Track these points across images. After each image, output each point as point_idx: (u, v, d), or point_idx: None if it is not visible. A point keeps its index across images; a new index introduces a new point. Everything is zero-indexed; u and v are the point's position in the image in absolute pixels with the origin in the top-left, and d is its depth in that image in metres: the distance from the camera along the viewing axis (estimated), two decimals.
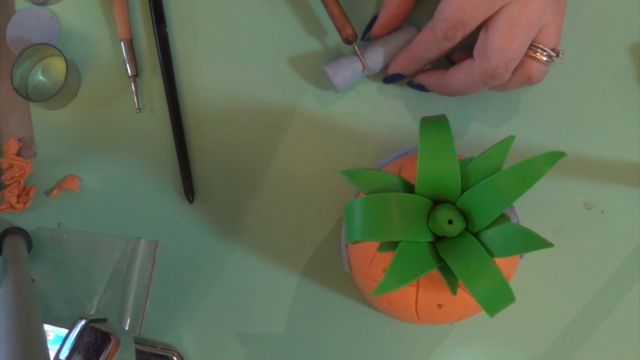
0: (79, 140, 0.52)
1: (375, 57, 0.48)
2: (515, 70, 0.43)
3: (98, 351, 0.38)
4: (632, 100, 0.49)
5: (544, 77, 0.43)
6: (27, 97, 0.51)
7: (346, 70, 0.48)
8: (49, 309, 0.50)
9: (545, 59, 0.42)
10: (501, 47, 0.41)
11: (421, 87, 0.48)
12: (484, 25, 0.42)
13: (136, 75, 0.52)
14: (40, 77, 0.53)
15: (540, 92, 0.50)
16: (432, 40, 0.43)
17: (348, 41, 0.48)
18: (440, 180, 0.37)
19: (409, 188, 0.38)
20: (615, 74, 0.49)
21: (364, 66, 0.48)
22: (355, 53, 0.48)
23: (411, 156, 0.44)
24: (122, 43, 0.51)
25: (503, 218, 0.36)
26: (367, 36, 0.49)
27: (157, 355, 0.49)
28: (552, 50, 0.42)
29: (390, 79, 0.49)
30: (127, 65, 0.51)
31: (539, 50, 0.42)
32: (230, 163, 0.51)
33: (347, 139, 0.50)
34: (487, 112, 0.50)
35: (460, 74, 0.44)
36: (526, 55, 0.42)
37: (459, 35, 0.42)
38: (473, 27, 0.42)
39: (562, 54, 0.43)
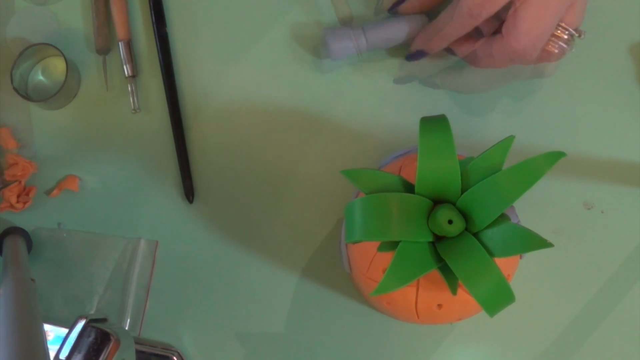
0: (79, 140, 0.52)
1: (377, 35, 0.48)
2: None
3: (98, 351, 0.38)
4: (632, 100, 0.49)
5: (563, 55, 0.44)
6: (27, 97, 0.51)
7: (345, 41, 0.48)
8: (49, 309, 0.50)
9: (566, 37, 0.42)
10: (531, 27, 0.41)
11: (420, 54, 0.48)
12: (512, 3, 0.42)
13: (133, 75, 0.52)
14: (40, 77, 0.53)
15: (540, 92, 0.50)
16: (457, 17, 0.43)
17: (344, 22, 0.47)
18: (440, 180, 0.37)
19: (409, 188, 0.38)
20: (615, 74, 0.49)
21: (356, 44, 0.48)
22: (351, 29, 0.48)
23: (411, 156, 0.44)
24: (120, 43, 0.51)
25: (503, 218, 0.36)
26: (395, 9, 0.48)
27: (157, 355, 0.49)
28: (575, 30, 0.42)
29: (412, 56, 0.48)
30: (125, 66, 0.51)
31: (560, 28, 0.42)
32: (230, 163, 0.51)
33: (347, 139, 0.50)
34: (487, 112, 0.50)
35: (489, 49, 0.44)
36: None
37: (485, 13, 0.41)
38: (500, 5, 0.41)
39: (584, 35, 0.43)
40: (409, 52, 0.48)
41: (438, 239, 0.37)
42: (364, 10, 0.51)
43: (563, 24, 0.42)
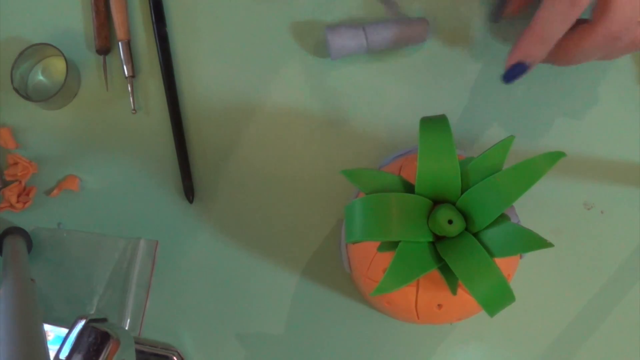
0: (79, 140, 0.52)
1: (379, 36, 0.48)
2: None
3: (98, 351, 0.38)
4: (632, 100, 0.49)
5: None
6: (27, 97, 0.51)
7: (346, 41, 0.48)
8: (49, 309, 0.50)
9: None
10: (624, 5, 0.38)
11: (520, 69, 0.42)
12: None
13: (133, 75, 0.52)
14: (40, 77, 0.53)
15: (540, 91, 0.50)
16: (558, 9, 0.39)
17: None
18: (440, 180, 0.37)
19: (409, 188, 0.38)
20: (615, 74, 0.49)
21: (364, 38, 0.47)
22: (353, 28, 0.48)
23: (411, 156, 0.44)
24: (120, 43, 0.51)
25: (503, 218, 0.36)
26: (499, 17, 0.45)
27: (157, 355, 0.49)
28: None
29: (512, 73, 0.42)
30: (124, 66, 0.51)
31: None
32: (230, 163, 0.51)
33: (347, 139, 0.50)
34: (487, 112, 0.50)
35: (577, 41, 0.40)
36: None
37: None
38: None
39: None
40: (507, 69, 0.42)
41: (438, 239, 0.37)
42: (367, 11, 0.51)
43: None
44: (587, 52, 0.40)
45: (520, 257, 0.42)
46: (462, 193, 0.37)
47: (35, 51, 0.51)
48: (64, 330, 0.41)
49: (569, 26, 0.40)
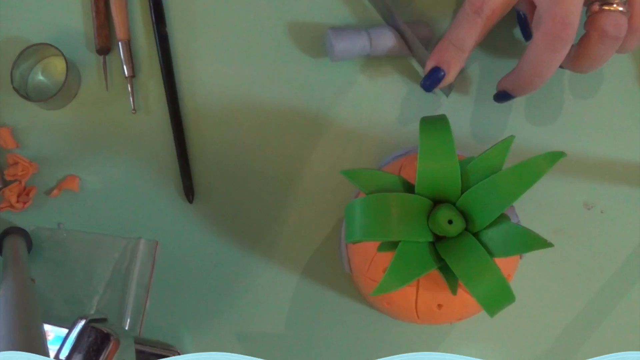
0: (79, 140, 0.52)
1: (383, 42, 0.48)
2: (588, 31, 0.41)
3: (98, 351, 0.38)
4: (632, 100, 0.49)
5: (622, 28, 0.40)
6: (27, 97, 0.51)
7: (349, 44, 0.48)
8: (49, 309, 0.50)
9: (621, 8, 0.39)
10: (550, 3, 0.38)
11: (506, 96, 0.46)
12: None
13: (133, 75, 0.52)
14: (40, 77, 0.53)
15: (540, 91, 0.50)
16: (464, 16, 0.41)
17: None
18: (440, 180, 0.37)
19: (409, 188, 0.38)
20: (615, 75, 0.49)
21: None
22: (357, 32, 0.48)
23: (411, 156, 0.44)
24: (119, 44, 0.51)
25: (503, 218, 0.36)
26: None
27: (157, 355, 0.49)
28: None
29: (430, 78, 0.44)
30: (124, 66, 0.51)
31: (614, 2, 0.39)
32: (230, 163, 0.51)
33: (347, 139, 0.50)
34: (487, 112, 0.50)
35: (527, 55, 0.41)
36: (597, 12, 0.40)
37: (575, 20, 0.39)
38: (580, 10, 0.39)
39: None
40: (424, 77, 0.45)
41: (438, 239, 0.37)
42: (366, 12, 0.51)
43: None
44: (539, 64, 0.41)
45: (520, 257, 0.42)
46: (462, 193, 0.37)
47: (35, 51, 0.51)
48: (64, 330, 0.41)
49: (477, 32, 0.41)
